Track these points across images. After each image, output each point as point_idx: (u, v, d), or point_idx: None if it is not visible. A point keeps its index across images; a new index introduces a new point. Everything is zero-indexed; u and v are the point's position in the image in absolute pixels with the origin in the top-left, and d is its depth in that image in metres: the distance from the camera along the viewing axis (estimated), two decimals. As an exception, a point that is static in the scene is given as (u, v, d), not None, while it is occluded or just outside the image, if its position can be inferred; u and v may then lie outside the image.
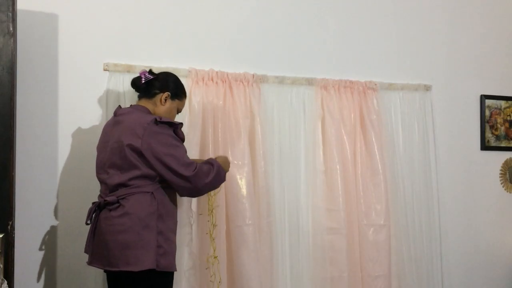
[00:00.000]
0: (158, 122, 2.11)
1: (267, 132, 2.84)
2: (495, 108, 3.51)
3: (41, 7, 2.57)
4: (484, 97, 3.47)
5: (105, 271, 2.23)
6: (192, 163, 2.14)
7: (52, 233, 2.55)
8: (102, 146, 2.24)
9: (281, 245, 2.84)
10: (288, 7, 3.05)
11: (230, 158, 2.58)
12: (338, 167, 2.92)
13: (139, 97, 2.32)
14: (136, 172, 2.09)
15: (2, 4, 2.07)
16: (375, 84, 3.10)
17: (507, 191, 3.53)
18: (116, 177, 2.11)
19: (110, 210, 2.09)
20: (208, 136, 2.66)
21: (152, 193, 2.10)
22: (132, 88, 2.34)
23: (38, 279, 2.52)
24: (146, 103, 2.27)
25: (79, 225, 2.55)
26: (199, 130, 2.64)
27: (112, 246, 2.05)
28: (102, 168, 2.19)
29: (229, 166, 2.38)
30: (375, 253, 2.92)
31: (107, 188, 2.15)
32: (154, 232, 2.07)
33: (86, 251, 2.21)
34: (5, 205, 2.06)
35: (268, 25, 3.00)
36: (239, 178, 2.68)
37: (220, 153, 2.68)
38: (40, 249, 2.53)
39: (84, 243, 2.55)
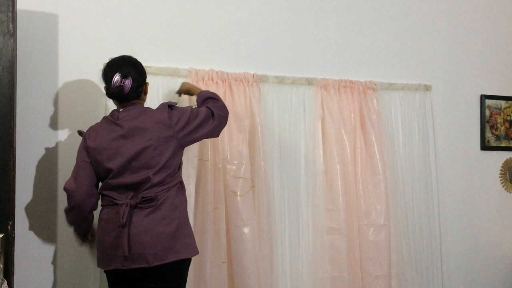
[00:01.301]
0: (171, 106, 2.27)
1: (267, 132, 2.84)
2: (495, 108, 3.51)
3: (41, 7, 2.57)
4: (484, 97, 3.47)
5: (122, 273, 2.14)
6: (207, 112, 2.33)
7: (52, 233, 2.55)
8: (114, 151, 2.17)
9: (281, 245, 2.83)
10: (288, 7, 3.06)
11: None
12: (338, 167, 2.92)
13: (124, 102, 2.25)
14: (169, 168, 2.18)
15: (2, 4, 2.07)
16: (375, 84, 3.10)
17: (507, 191, 3.53)
18: (149, 177, 2.13)
19: (150, 207, 2.11)
20: (208, 136, 2.67)
21: (181, 182, 2.25)
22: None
23: (38, 279, 2.52)
24: (135, 102, 2.29)
25: (79, 225, 2.57)
26: (199, 130, 2.64)
27: (161, 240, 2.09)
28: (122, 172, 2.15)
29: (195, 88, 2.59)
30: (375, 253, 2.92)
31: (133, 188, 2.14)
32: (188, 218, 2.27)
33: (107, 255, 2.15)
34: (5, 205, 2.06)
35: (268, 25, 3.00)
36: (238, 178, 2.68)
37: (220, 154, 2.68)
38: (40, 249, 2.53)
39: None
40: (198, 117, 2.29)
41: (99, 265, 2.24)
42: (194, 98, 2.53)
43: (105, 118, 2.31)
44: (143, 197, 2.11)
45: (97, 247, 2.23)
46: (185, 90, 2.60)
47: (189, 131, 2.26)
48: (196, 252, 2.23)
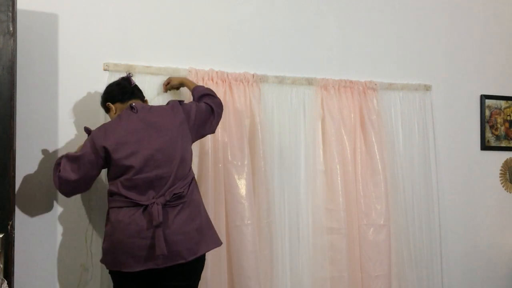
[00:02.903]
0: (180, 102, 2.36)
1: (267, 132, 2.84)
2: (495, 108, 3.51)
3: (41, 7, 2.57)
4: (484, 97, 3.47)
5: (149, 273, 2.12)
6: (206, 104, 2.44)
7: (52, 233, 2.55)
8: (136, 145, 2.16)
9: (281, 245, 2.83)
10: (288, 7, 3.06)
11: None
12: (338, 167, 2.92)
13: (128, 99, 2.32)
14: (187, 162, 2.24)
15: (2, 4, 2.07)
16: (375, 84, 3.10)
17: (507, 191, 3.53)
18: (172, 171, 2.16)
19: (179, 204, 2.14)
20: (207, 136, 2.66)
21: (194, 177, 2.30)
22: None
23: (38, 279, 2.52)
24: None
25: (79, 225, 2.57)
26: (199, 130, 2.65)
27: (192, 235, 2.14)
28: (145, 166, 2.13)
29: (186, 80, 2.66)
30: (375, 253, 2.92)
31: (154, 186, 2.13)
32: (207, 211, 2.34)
33: (135, 257, 2.08)
34: (5, 205, 2.06)
35: (268, 25, 3.00)
36: (238, 178, 2.68)
37: (220, 154, 2.68)
38: (40, 249, 2.53)
39: (83, 242, 2.54)
40: (202, 113, 2.38)
41: (117, 268, 2.15)
42: (182, 92, 2.67)
43: (120, 115, 2.27)
44: (174, 194, 2.12)
45: (113, 250, 2.13)
46: (178, 84, 2.64)
47: (198, 125, 2.35)
48: (220, 242, 2.31)
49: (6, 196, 2.06)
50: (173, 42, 2.80)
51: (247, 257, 2.62)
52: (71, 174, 2.18)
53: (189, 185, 2.22)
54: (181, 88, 2.70)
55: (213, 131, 2.48)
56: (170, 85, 2.64)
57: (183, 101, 2.39)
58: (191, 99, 2.54)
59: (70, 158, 2.21)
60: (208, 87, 2.60)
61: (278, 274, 2.81)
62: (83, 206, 2.58)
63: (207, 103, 2.42)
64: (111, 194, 2.19)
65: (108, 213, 2.21)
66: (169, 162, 2.17)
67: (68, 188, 2.23)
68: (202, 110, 2.38)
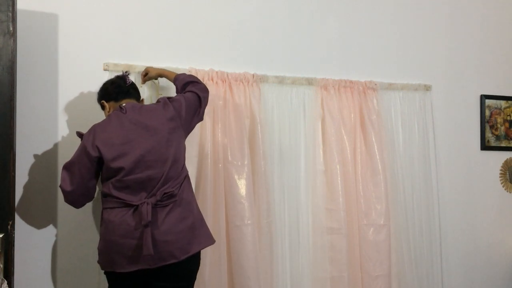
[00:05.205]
0: (169, 98, 2.33)
1: (267, 132, 2.84)
2: (495, 108, 3.51)
3: (41, 7, 2.57)
4: (484, 97, 3.48)
5: (143, 274, 2.11)
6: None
7: (52, 233, 2.55)
8: (127, 146, 2.14)
9: (281, 245, 2.83)
10: (288, 7, 3.06)
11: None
12: (338, 167, 2.92)
13: (122, 98, 2.30)
14: (180, 161, 2.21)
15: (2, 4, 2.07)
16: (375, 84, 3.10)
17: (507, 191, 3.53)
18: (163, 171, 2.13)
19: (170, 203, 2.11)
20: (207, 136, 2.67)
21: (187, 175, 2.26)
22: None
23: (38, 279, 2.52)
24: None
25: (79, 225, 2.57)
26: (199, 130, 2.64)
27: (184, 234, 2.11)
28: (136, 167, 2.11)
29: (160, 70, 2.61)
30: (375, 253, 2.92)
31: (146, 186, 2.11)
32: (199, 209, 2.30)
33: (127, 257, 2.07)
34: (5, 205, 2.06)
35: (268, 25, 3.01)
36: (238, 178, 2.68)
37: (220, 154, 2.68)
38: (40, 249, 2.53)
39: (83, 242, 2.54)
40: (191, 105, 2.34)
41: (110, 268, 2.14)
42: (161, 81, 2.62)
43: (110, 115, 2.26)
44: (165, 193, 2.10)
45: (106, 250, 2.13)
46: (156, 75, 2.59)
47: (189, 119, 2.32)
48: (213, 240, 2.27)
49: (6, 196, 2.07)
50: (173, 42, 2.80)
51: (247, 257, 2.62)
52: (67, 184, 2.18)
53: (181, 184, 2.19)
54: (160, 79, 2.65)
55: (201, 119, 2.44)
56: (148, 76, 2.58)
57: (172, 97, 2.34)
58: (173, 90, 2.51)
59: (66, 166, 2.21)
60: (188, 74, 2.55)
61: (278, 274, 2.81)
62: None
63: (192, 91, 2.38)
64: (104, 195, 2.18)
65: (102, 214, 2.20)
66: (161, 162, 2.14)
67: (70, 199, 2.22)
68: (190, 101, 2.34)
